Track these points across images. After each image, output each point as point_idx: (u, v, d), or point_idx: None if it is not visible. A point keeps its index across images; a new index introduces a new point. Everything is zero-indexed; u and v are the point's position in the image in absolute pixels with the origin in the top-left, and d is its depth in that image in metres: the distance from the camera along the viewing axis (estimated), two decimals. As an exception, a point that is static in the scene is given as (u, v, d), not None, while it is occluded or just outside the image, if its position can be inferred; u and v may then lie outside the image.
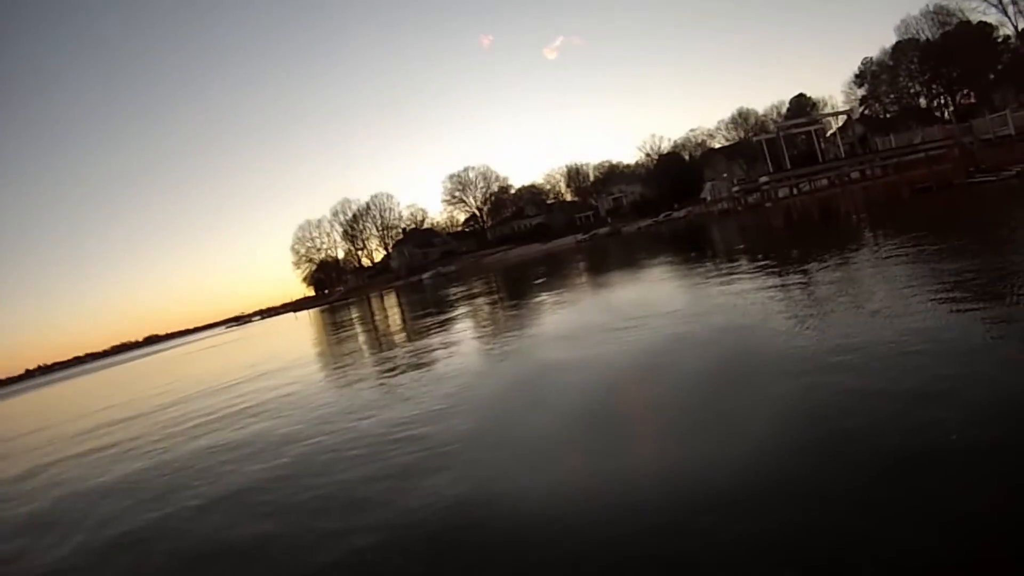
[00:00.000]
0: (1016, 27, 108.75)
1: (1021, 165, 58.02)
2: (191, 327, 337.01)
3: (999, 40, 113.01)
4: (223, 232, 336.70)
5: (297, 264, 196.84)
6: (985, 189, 53.81)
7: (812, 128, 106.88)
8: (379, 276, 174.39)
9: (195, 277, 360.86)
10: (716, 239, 64.28)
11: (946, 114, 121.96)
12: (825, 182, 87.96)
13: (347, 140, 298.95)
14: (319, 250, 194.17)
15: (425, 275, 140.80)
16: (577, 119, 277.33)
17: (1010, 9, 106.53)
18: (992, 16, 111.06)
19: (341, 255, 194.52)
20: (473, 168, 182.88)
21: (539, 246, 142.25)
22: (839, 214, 61.11)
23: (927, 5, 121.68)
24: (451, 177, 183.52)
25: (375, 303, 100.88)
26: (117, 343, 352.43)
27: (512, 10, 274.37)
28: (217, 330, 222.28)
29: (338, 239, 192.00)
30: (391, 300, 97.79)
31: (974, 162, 64.30)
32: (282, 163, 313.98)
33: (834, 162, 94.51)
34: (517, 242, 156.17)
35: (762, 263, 32.27)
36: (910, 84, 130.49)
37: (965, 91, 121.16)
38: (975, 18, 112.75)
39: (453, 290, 75.47)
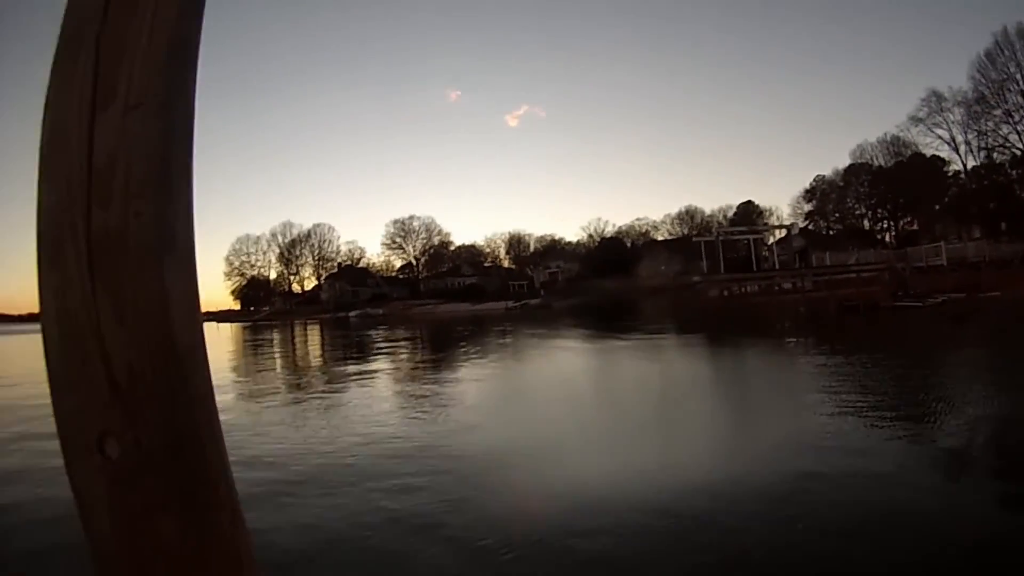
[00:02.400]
0: (965, 165, 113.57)
1: (947, 295, 59.86)
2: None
3: (948, 174, 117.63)
4: None
5: (228, 275, 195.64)
6: (909, 313, 55.54)
7: (751, 237, 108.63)
8: (307, 305, 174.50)
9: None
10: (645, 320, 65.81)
11: (887, 238, 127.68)
12: (756, 288, 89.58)
13: (297, 163, 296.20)
14: (253, 266, 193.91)
15: (352, 313, 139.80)
16: (527, 189, 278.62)
17: (962, 148, 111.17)
18: (945, 152, 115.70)
19: (273, 275, 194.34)
20: (418, 218, 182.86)
21: (468, 306, 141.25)
22: (757, 319, 62.66)
23: (884, 134, 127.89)
24: (395, 222, 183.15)
25: (298, 331, 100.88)
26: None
27: (482, 70, 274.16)
28: None
29: (273, 260, 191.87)
30: (314, 331, 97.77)
31: (904, 287, 65.87)
32: (230, 166, 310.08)
33: (767, 272, 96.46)
34: (448, 298, 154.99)
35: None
36: (856, 206, 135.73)
37: (909, 218, 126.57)
38: (928, 152, 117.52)
39: (374, 334, 75.69)
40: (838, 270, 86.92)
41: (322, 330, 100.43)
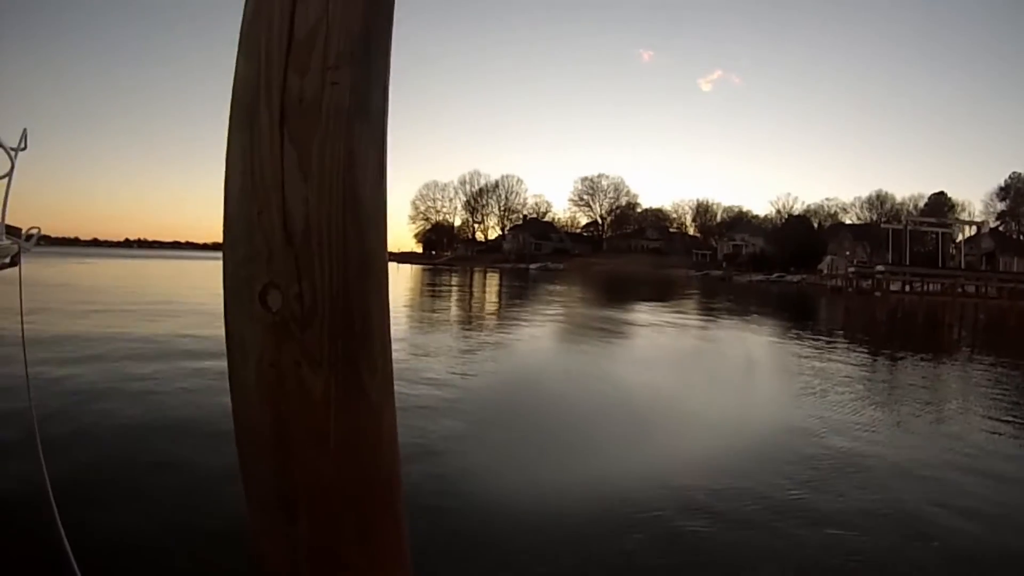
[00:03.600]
0: None
1: None
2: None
3: None
4: None
5: (413, 219, 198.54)
6: None
7: (940, 231, 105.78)
8: (488, 254, 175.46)
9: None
10: (823, 317, 64.65)
11: None
12: (939, 287, 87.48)
13: (489, 113, 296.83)
14: (438, 212, 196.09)
15: (533, 265, 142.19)
16: (717, 157, 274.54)
17: None
18: None
19: (457, 222, 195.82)
20: (607, 177, 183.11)
21: (650, 269, 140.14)
22: (942, 324, 60.91)
23: None
24: (583, 179, 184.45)
25: (477, 278, 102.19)
26: (180, 239, 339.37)
27: (678, 32, 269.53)
28: None
29: (459, 207, 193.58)
30: (493, 280, 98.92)
31: None
32: (417, 110, 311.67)
33: (953, 271, 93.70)
34: (629, 259, 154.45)
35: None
36: None
37: None
38: None
39: (555, 288, 76.33)
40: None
41: (501, 279, 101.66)
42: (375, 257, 1.18)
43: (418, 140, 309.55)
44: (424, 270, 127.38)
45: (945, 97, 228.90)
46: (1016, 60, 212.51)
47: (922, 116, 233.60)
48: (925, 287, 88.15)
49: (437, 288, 67.72)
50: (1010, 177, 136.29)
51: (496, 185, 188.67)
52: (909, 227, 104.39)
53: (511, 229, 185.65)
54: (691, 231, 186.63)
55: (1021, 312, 63.19)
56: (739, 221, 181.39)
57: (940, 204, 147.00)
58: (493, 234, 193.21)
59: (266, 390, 1.16)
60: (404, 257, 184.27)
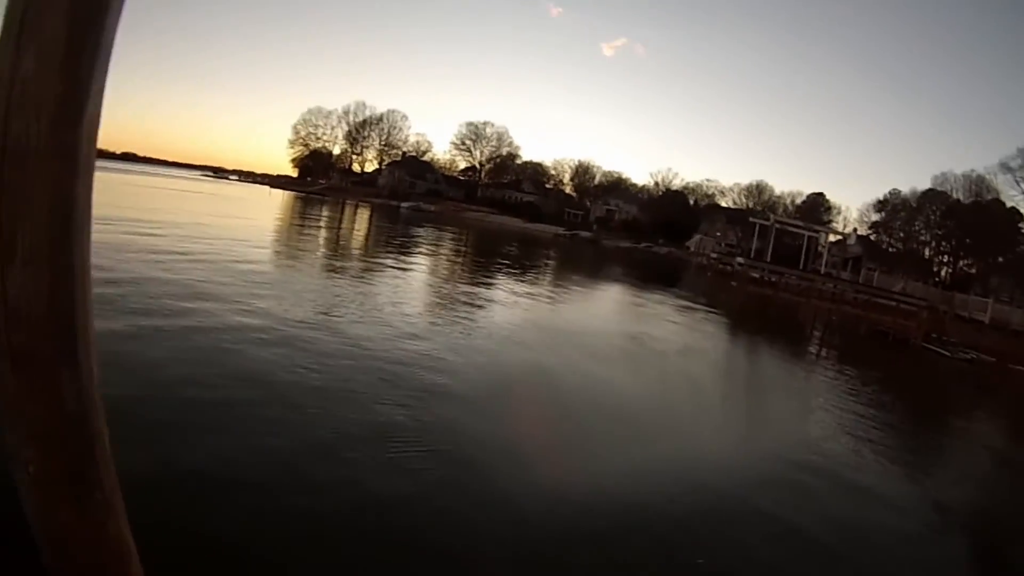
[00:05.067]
0: None
1: (978, 354, 59.54)
2: (170, 159, 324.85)
3: (1022, 231, 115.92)
4: (229, 76, 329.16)
5: (292, 143, 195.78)
6: (935, 359, 55.44)
7: (807, 233, 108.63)
8: (362, 186, 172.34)
9: (187, 109, 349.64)
10: (681, 286, 67.46)
11: (943, 273, 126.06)
12: (794, 282, 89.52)
13: (381, 47, 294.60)
14: (318, 139, 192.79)
15: (405, 204, 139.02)
16: (606, 122, 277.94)
17: None
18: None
19: (336, 151, 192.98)
20: (492, 125, 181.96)
21: (520, 223, 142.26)
22: (785, 318, 63.24)
23: (971, 171, 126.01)
24: (468, 124, 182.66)
25: (348, 211, 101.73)
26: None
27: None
28: (193, 174, 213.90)
29: (340, 136, 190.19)
30: (363, 214, 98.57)
31: (940, 330, 65.51)
32: (309, 39, 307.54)
33: (811, 273, 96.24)
34: (503, 210, 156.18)
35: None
36: (923, 232, 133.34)
37: (969, 261, 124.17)
38: (1009, 202, 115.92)
39: (423, 232, 76.62)
40: (881, 293, 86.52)
41: (371, 215, 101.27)
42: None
43: (308, 64, 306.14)
44: (296, 197, 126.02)
45: (845, 98, 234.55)
46: (919, 79, 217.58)
47: (815, 113, 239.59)
48: (782, 283, 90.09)
49: (300, 223, 66.96)
50: (890, 192, 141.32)
51: (380, 118, 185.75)
52: (775, 224, 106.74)
53: (389, 164, 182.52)
54: (568, 190, 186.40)
55: (872, 321, 65.22)
56: (617, 187, 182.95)
57: (817, 204, 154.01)
58: (371, 167, 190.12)
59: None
60: (278, 182, 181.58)
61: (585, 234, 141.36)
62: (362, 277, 34.69)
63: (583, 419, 16.69)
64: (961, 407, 39.96)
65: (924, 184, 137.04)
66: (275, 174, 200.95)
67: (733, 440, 19.18)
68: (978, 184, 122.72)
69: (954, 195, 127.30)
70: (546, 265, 66.89)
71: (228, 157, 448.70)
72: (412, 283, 35.38)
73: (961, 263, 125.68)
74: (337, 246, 52.33)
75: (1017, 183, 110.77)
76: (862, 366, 41.67)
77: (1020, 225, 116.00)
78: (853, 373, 37.09)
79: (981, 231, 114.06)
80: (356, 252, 50.17)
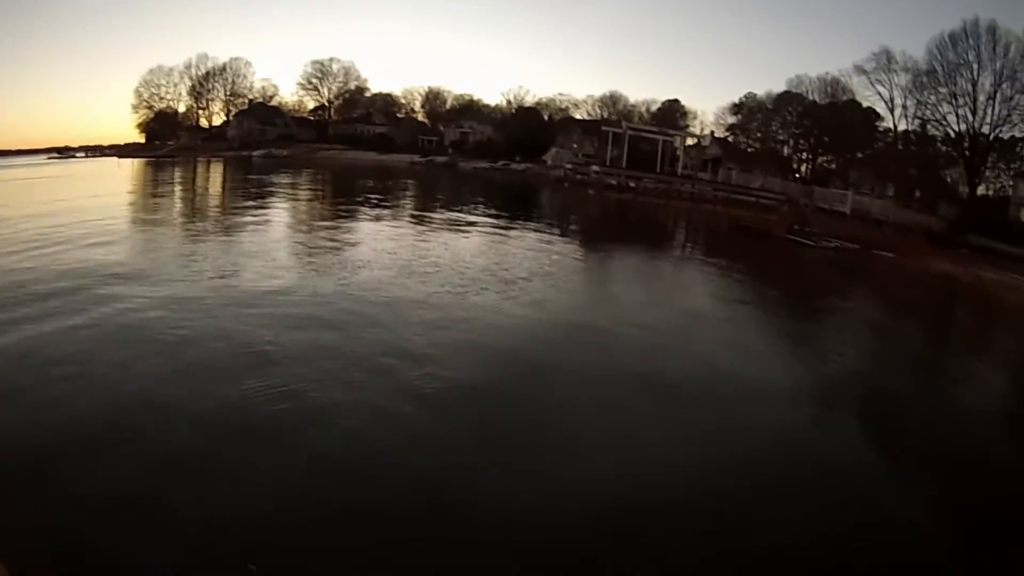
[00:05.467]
0: (895, 126, 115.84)
1: (841, 242, 61.22)
2: (10, 148, 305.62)
3: (879, 129, 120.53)
4: (58, 50, 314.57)
5: (136, 108, 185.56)
6: (799, 249, 57.11)
7: (661, 138, 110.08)
8: (213, 141, 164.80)
9: (20, 92, 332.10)
10: (536, 201, 68.36)
11: (803, 170, 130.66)
12: (652, 185, 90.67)
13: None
14: (162, 99, 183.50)
15: (256, 153, 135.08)
16: (454, 45, 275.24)
17: (897, 111, 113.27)
18: (880, 108, 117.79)
19: (182, 109, 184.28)
20: (339, 61, 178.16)
21: (375, 156, 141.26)
22: (646, 220, 64.39)
23: (826, 73, 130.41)
24: (314, 62, 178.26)
25: (200, 169, 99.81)
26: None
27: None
28: (37, 158, 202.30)
29: (184, 93, 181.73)
30: (216, 170, 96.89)
31: (802, 223, 66.95)
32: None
33: (666, 176, 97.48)
34: (356, 145, 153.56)
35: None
36: (781, 132, 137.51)
37: (828, 158, 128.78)
38: (865, 102, 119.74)
39: (278, 180, 75.91)
40: (741, 190, 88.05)
41: (224, 170, 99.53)
42: None
43: (142, 22, 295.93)
44: (146, 164, 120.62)
45: (689, 8, 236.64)
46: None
47: (667, 20, 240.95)
48: (640, 187, 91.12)
49: (148, 191, 65.39)
50: (746, 96, 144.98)
51: (223, 68, 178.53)
52: (629, 131, 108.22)
53: (236, 115, 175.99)
54: (420, 117, 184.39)
55: (734, 218, 66.40)
56: (469, 109, 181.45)
57: (672, 111, 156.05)
58: (219, 120, 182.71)
59: None
60: (127, 151, 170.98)
61: (441, 159, 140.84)
62: (217, 235, 34.57)
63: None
64: (831, 286, 42.52)
65: (779, 87, 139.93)
66: (123, 143, 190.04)
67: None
68: (833, 86, 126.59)
69: (810, 96, 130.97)
70: (403, 196, 66.84)
71: (74, 134, 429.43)
72: (270, 235, 35.23)
73: (820, 160, 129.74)
74: (191, 209, 51.45)
75: (872, 84, 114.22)
76: (730, 258, 43.17)
77: (876, 123, 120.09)
78: (722, 264, 38.55)
79: (839, 130, 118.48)
80: (209, 211, 49.47)
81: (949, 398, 22.69)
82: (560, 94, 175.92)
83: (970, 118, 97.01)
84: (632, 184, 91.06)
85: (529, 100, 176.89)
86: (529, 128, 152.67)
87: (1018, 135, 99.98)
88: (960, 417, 20.12)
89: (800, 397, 19.27)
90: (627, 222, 62.65)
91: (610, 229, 55.57)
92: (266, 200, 54.03)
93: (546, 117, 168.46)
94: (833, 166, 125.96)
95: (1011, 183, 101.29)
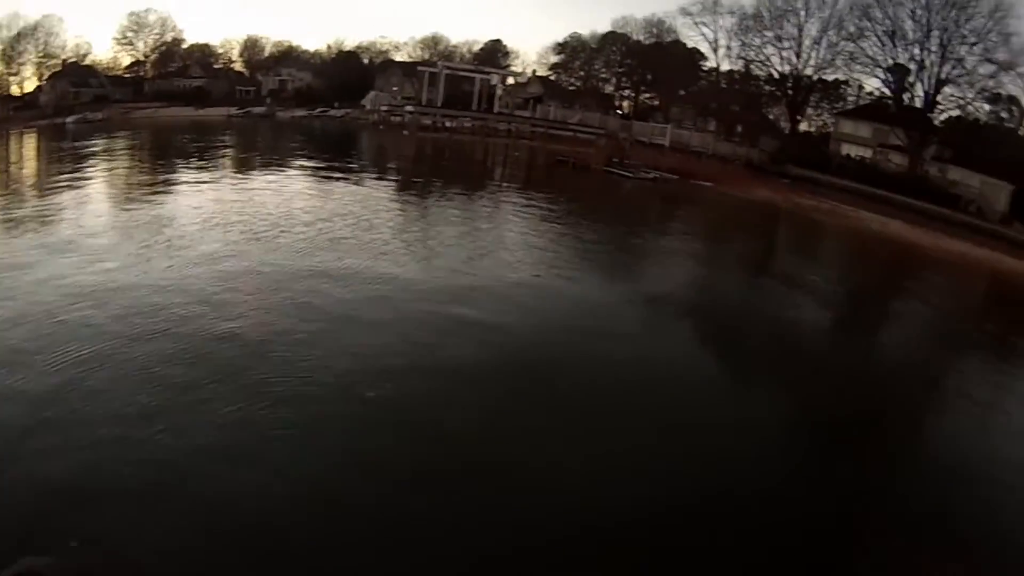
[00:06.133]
0: (718, 66, 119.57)
1: (661, 173, 62.39)
2: None
3: (703, 69, 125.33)
4: None
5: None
6: (617, 180, 58.28)
7: (478, 76, 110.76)
8: (26, 110, 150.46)
9: None
10: (355, 146, 68.92)
11: (626, 107, 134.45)
12: (469, 125, 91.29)
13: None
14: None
15: (70, 119, 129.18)
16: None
17: (721, 51, 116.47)
18: (705, 48, 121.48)
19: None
20: (156, 11, 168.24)
21: (192, 111, 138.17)
22: (462, 158, 65.12)
23: (652, 15, 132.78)
24: (130, 15, 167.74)
25: (12, 143, 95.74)
26: None
27: None
28: None
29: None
30: (29, 142, 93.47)
31: (621, 155, 67.97)
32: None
33: (483, 113, 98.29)
34: (173, 102, 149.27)
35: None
36: (604, 71, 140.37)
37: (651, 95, 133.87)
38: (689, 43, 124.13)
39: (92, 147, 73.43)
40: (558, 125, 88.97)
41: (38, 141, 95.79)
42: None
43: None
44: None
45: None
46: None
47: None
48: (457, 125, 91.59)
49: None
50: (570, 35, 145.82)
51: (35, 28, 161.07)
52: (445, 70, 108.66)
53: (49, 78, 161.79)
54: (238, 67, 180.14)
55: (553, 152, 67.19)
56: (288, 56, 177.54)
57: (495, 51, 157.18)
58: (33, 85, 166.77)
59: None
60: None
61: (258, 110, 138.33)
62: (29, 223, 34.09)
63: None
64: (650, 214, 43.94)
65: (604, 28, 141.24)
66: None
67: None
68: (658, 27, 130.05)
69: (635, 37, 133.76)
70: (221, 153, 65.95)
71: None
72: (84, 219, 34.59)
73: (643, 97, 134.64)
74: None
75: (696, 25, 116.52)
76: (547, 189, 44.18)
77: (700, 63, 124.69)
78: (540, 196, 39.47)
79: (662, 68, 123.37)
80: (16, 194, 47.79)
81: (779, 304, 25.91)
82: (382, 37, 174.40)
83: (794, 60, 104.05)
84: (449, 123, 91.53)
85: (349, 44, 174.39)
86: (349, 73, 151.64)
87: (842, 78, 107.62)
88: (784, 320, 23.58)
89: (628, 313, 21.11)
90: (443, 161, 63.64)
91: (426, 169, 56.53)
92: (77, 174, 52.34)
93: (367, 61, 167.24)
94: (656, 103, 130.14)
95: (833, 120, 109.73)
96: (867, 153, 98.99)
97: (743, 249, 45.46)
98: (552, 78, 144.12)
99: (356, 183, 42.57)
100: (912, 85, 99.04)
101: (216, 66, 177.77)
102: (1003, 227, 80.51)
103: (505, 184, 47.76)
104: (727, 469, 17.18)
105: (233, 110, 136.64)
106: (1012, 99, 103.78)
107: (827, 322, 33.85)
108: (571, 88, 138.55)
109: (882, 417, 23.53)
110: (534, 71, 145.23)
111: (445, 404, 18.16)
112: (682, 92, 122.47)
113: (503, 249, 27.74)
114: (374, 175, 47.60)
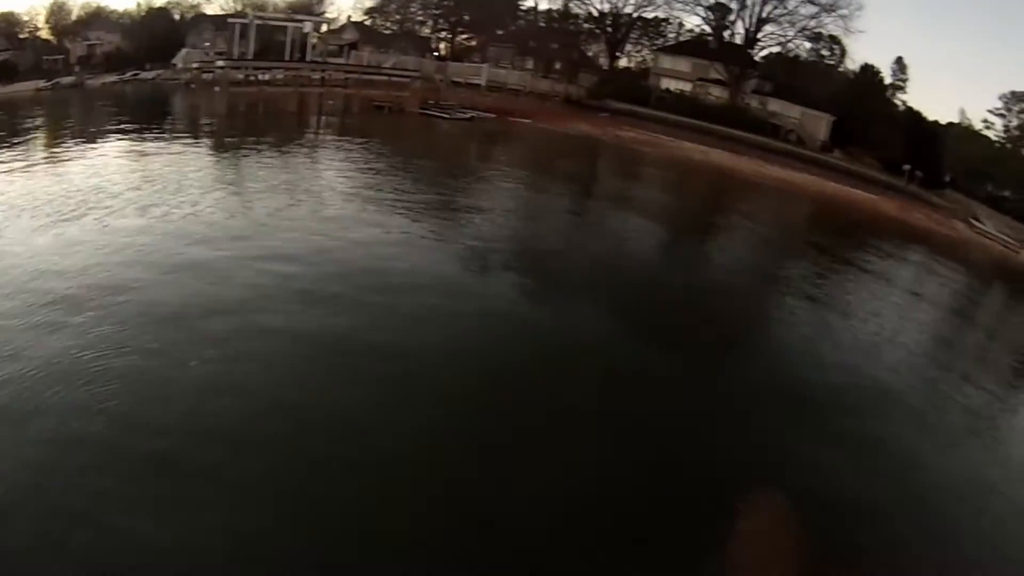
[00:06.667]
0: (537, 5, 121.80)
1: (478, 112, 61.14)
2: None
3: (521, 8, 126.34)
4: None
5: None
6: (434, 122, 57.21)
7: (290, 24, 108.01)
8: None
9: None
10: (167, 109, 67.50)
11: (443, 49, 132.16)
12: (282, 77, 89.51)
13: None
14: None
15: None
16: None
17: None
18: None
19: None
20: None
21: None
22: (276, 111, 63.13)
23: None
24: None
25: None
26: None
27: None
28: None
29: None
30: None
31: (436, 97, 66.92)
32: None
33: (296, 63, 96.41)
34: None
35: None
36: (420, 13, 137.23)
37: (469, 35, 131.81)
38: None
39: None
40: (371, 71, 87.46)
41: None
42: None
43: None
44: None
45: None
46: None
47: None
48: (272, 77, 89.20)
49: None
50: None
51: None
52: (256, 22, 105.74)
53: None
54: (46, 35, 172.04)
55: (369, 98, 65.60)
56: (96, 18, 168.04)
57: None
58: None
59: None
60: None
61: (67, 80, 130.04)
62: None
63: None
64: (467, 152, 43.68)
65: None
66: None
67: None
68: None
69: None
70: (23, 136, 61.83)
71: None
72: None
73: (460, 38, 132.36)
74: None
75: None
76: (362, 136, 43.86)
77: (519, 3, 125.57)
78: (355, 143, 39.18)
79: (480, 9, 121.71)
80: None
81: (610, 229, 27.77)
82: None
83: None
84: (263, 76, 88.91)
85: (160, 0, 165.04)
86: (159, 31, 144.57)
87: (662, 16, 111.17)
88: (616, 242, 25.02)
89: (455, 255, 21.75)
90: (256, 116, 61.37)
91: (239, 126, 54.96)
92: None
93: (178, 17, 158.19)
94: (474, 43, 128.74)
95: (653, 57, 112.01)
96: (687, 87, 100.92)
97: (568, 179, 45.78)
98: (368, 23, 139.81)
99: (165, 149, 41.06)
100: (733, 23, 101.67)
101: (22, 36, 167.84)
102: (823, 154, 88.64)
103: (320, 133, 46.81)
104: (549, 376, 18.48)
105: (41, 83, 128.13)
106: (833, 38, 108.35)
107: (658, 241, 35.14)
108: (387, 32, 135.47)
109: (716, 318, 26.78)
110: (349, 17, 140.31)
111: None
112: (500, 32, 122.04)
113: (314, 199, 26.67)
114: (185, 138, 45.71)
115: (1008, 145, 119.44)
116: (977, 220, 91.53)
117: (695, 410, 18.92)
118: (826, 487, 16.88)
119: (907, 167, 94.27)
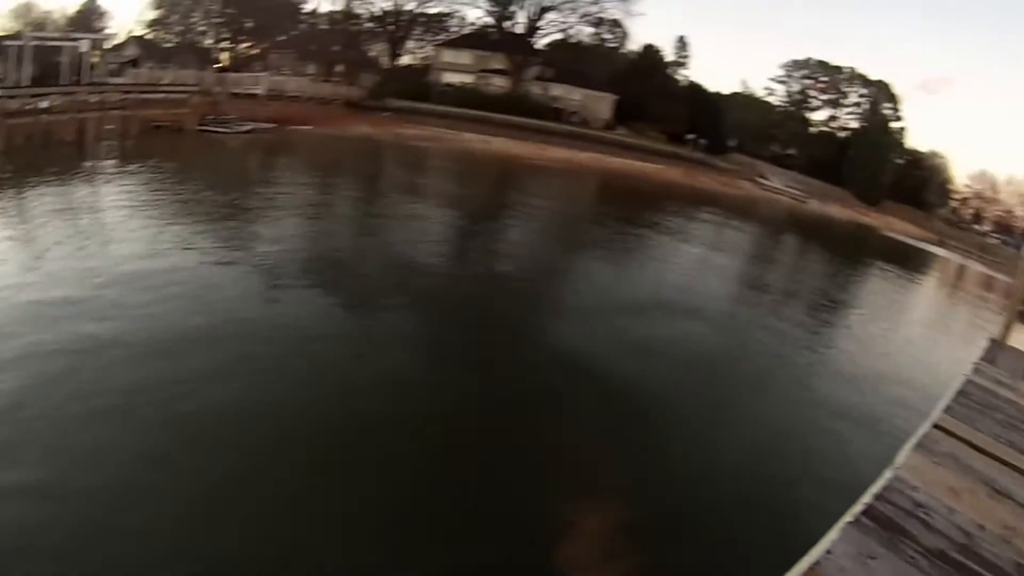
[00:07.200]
0: (318, 7, 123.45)
1: (257, 124, 61.00)
2: None
3: (303, 12, 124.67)
4: None
5: None
6: (212, 138, 56.85)
7: (67, 43, 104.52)
8: None
9: None
10: None
11: (223, 58, 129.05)
12: (59, 102, 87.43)
13: None
14: None
15: None
16: None
17: None
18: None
19: None
20: None
21: None
22: (47, 141, 61.94)
23: None
24: None
25: None
26: None
27: None
28: None
29: None
30: None
31: (215, 111, 66.44)
32: None
33: (73, 86, 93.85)
34: None
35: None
36: (202, 23, 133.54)
37: (251, 43, 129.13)
38: None
39: None
40: (148, 88, 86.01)
41: None
42: None
43: None
44: None
45: None
46: None
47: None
48: (50, 104, 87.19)
49: None
50: None
51: None
52: (32, 43, 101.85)
53: None
54: None
55: (147, 119, 64.68)
56: None
57: (90, 13, 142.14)
58: None
59: None
60: None
61: None
62: None
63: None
64: (244, 169, 43.44)
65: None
66: None
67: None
68: None
69: None
70: None
71: None
72: None
73: (241, 47, 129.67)
74: None
75: None
76: (138, 160, 43.30)
77: (300, 6, 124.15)
78: (130, 170, 38.74)
79: (261, 15, 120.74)
80: None
81: (395, 231, 27.34)
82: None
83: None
84: (42, 104, 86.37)
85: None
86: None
87: (445, 10, 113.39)
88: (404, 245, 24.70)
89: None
90: (26, 150, 59.99)
91: (7, 164, 53.44)
92: None
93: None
94: (256, 51, 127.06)
95: (434, 52, 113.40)
96: (469, 79, 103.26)
97: (349, 182, 45.96)
98: (150, 37, 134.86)
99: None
100: (515, 13, 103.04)
101: None
102: (607, 132, 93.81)
103: (92, 164, 45.47)
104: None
105: None
106: (615, 22, 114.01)
107: (449, 231, 35.31)
108: (169, 46, 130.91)
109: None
110: (130, 31, 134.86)
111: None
112: (283, 38, 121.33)
113: (80, 242, 25.22)
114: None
115: (791, 108, 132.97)
116: (763, 178, 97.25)
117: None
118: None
119: (691, 136, 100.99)
